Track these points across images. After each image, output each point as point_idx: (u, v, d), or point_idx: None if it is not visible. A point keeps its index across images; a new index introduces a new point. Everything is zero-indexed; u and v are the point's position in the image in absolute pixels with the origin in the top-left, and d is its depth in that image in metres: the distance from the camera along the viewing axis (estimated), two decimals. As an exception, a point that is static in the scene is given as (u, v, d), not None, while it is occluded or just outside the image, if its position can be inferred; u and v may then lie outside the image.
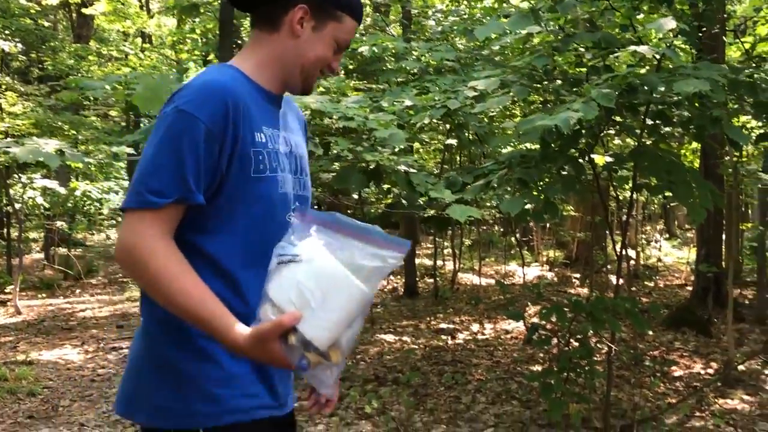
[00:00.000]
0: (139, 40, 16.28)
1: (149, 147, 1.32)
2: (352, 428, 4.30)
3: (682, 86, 2.48)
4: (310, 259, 1.21)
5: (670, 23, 2.62)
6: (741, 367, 5.78)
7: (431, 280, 10.13)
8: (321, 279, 1.19)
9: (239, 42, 8.53)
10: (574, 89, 3.62)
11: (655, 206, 21.65)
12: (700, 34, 7.90)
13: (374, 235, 1.25)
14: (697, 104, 3.16)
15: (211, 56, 10.30)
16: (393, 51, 4.57)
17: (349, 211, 9.45)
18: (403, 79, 4.80)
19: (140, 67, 11.31)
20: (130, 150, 2.29)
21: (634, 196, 4.38)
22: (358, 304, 1.21)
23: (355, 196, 8.11)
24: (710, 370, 5.76)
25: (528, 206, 3.30)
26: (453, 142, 5.22)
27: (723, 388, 5.24)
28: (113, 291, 10.42)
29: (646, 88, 2.90)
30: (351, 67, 4.42)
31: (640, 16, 3.63)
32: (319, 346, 1.17)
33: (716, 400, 4.96)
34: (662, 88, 2.87)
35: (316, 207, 8.19)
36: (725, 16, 7.72)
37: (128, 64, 11.98)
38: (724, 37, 8.03)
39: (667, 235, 20.44)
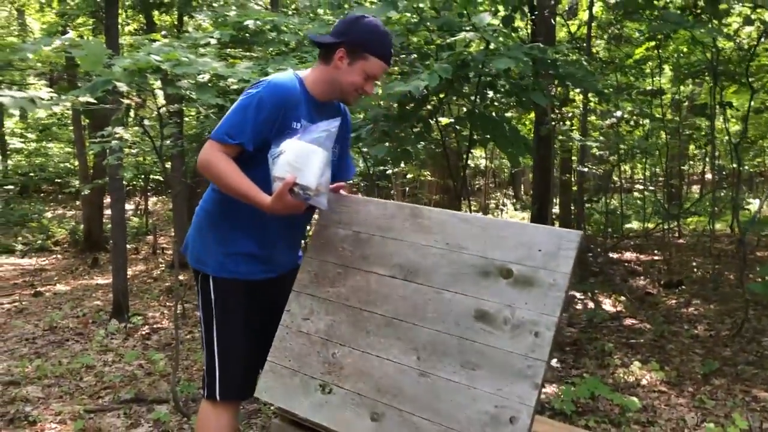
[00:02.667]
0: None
1: (236, 107, 2.20)
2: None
3: (497, 63, 3.44)
4: (289, 148, 2.08)
5: (487, 17, 3.58)
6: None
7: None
8: (299, 154, 2.05)
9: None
10: (426, 62, 4.54)
11: (505, 174, 23.65)
12: (533, 17, 9.22)
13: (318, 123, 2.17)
14: (514, 77, 4.17)
15: (80, 20, 10.31)
16: (273, 25, 5.27)
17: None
18: (280, 50, 5.47)
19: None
20: (89, 99, 2.72)
21: (475, 154, 5.40)
22: (322, 161, 2.06)
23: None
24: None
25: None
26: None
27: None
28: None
29: (474, 63, 3.86)
30: (240, 36, 5.03)
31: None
32: (310, 186, 2.03)
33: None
34: (483, 64, 3.82)
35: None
36: (552, 2, 9.03)
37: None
38: (553, 21, 9.37)
39: (515, 200, 22.50)
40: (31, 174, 18.80)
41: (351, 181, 2.82)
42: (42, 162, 19.40)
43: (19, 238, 13.19)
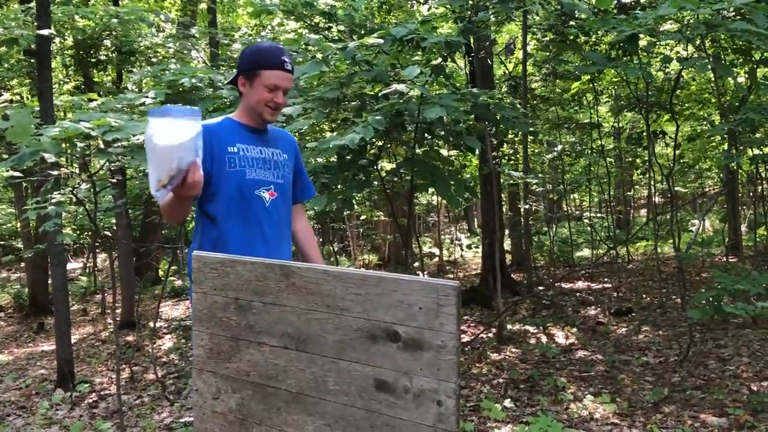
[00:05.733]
0: None
1: None
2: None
3: (429, 113, 3.52)
4: None
5: (416, 70, 3.68)
6: (512, 328, 7.18)
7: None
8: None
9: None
10: (368, 108, 4.60)
11: (458, 209, 23.90)
12: (471, 59, 9.42)
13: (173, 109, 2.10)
14: (450, 120, 4.26)
15: (15, 81, 10.15)
16: (210, 80, 5.27)
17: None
18: (217, 105, 5.45)
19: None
20: (15, 173, 2.65)
21: (416, 195, 5.44)
22: (160, 151, 1.98)
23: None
24: (491, 334, 7.08)
25: (331, 205, 4.20)
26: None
27: (498, 345, 6.55)
28: None
29: (409, 112, 3.93)
30: (176, 92, 5.00)
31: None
32: (161, 179, 2.00)
33: (491, 354, 6.23)
34: (416, 114, 3.90)
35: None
36: (488, 43, 9.32)
37: None
38: (490, 61, 9.64)
39: (469, 234, 22.71)
40: (-27, 238, 18.23)
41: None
42: (-16, 225, 18.86)
43: (-39, 307, 12.69)
